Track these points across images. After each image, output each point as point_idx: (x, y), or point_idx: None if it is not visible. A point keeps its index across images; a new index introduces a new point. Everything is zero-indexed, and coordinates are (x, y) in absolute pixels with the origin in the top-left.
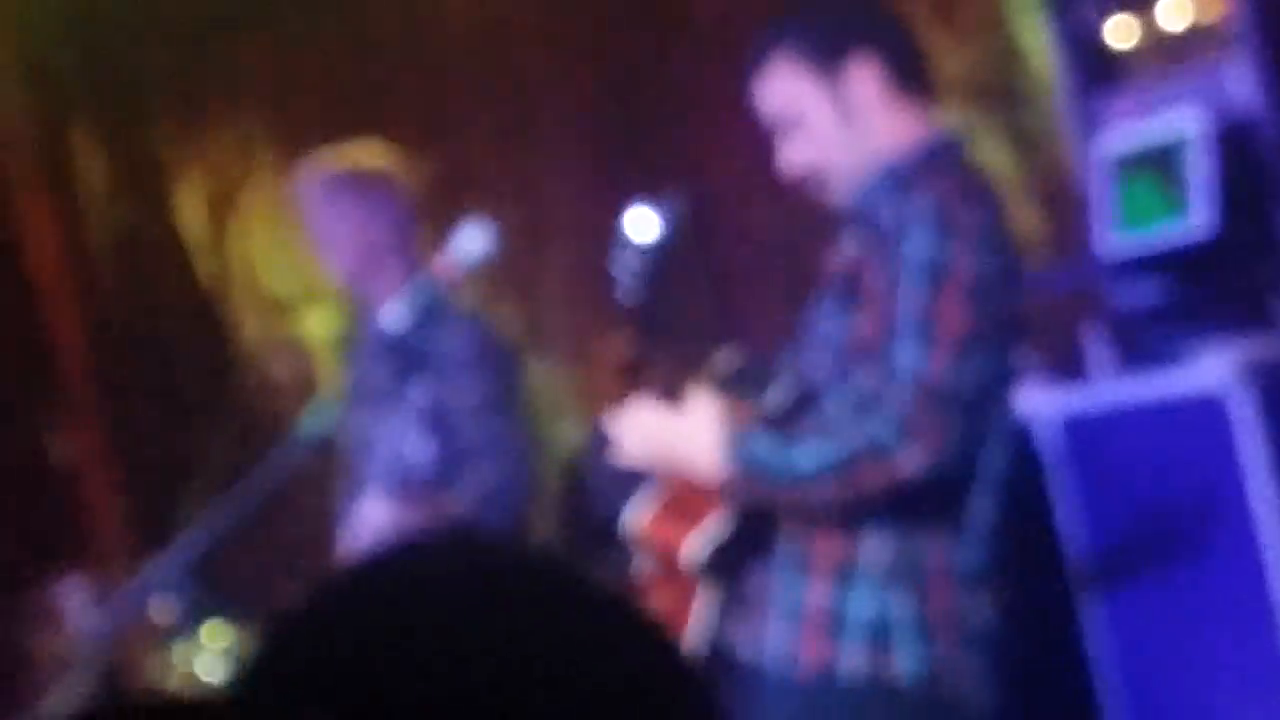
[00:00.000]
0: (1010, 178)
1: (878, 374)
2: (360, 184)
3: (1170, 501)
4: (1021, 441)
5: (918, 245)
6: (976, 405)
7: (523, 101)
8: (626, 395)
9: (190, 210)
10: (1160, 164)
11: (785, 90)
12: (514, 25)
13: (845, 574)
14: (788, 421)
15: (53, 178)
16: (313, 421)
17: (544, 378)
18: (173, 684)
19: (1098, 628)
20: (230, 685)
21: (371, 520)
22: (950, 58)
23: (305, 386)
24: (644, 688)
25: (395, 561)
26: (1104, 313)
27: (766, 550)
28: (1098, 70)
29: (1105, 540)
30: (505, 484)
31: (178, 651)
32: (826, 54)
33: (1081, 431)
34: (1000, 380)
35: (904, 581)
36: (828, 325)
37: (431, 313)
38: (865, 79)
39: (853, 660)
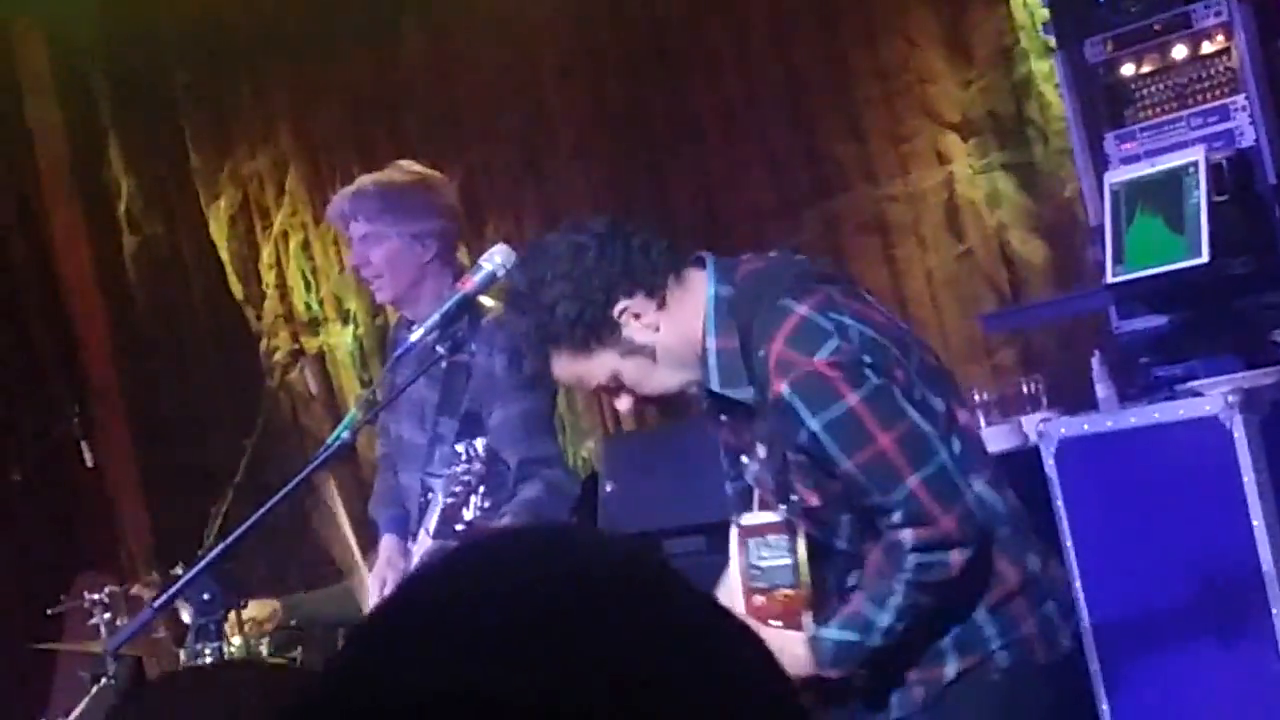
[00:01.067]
0: (1017, 208)
1: (876, 510)
2: (400, 195)
3: (1168, 523)
4: (1030, 465)
5: (812, 424)
6: (956, 465)
7: (542, 129)
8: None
9: (220, 225)
10: (1164, 198)
11: (585, 374)
12: (534, 56)
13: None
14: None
15: (85, 194)
16: (339, 433)
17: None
18: None
19: (1098, 641)
20: (319, 683)
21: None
22: (962, 92)
23: (329, 398)
24: (735, 684)
25: (490, 552)
26: (1109, 341)
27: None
28: (1106, 105)
29: (1106, 561)
30: (557, 494)
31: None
32: (592, 331)
33: (1085, 455)
34: (946, 431)
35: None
36: (771, 481)
37: (457, 332)
38: (640, 318)
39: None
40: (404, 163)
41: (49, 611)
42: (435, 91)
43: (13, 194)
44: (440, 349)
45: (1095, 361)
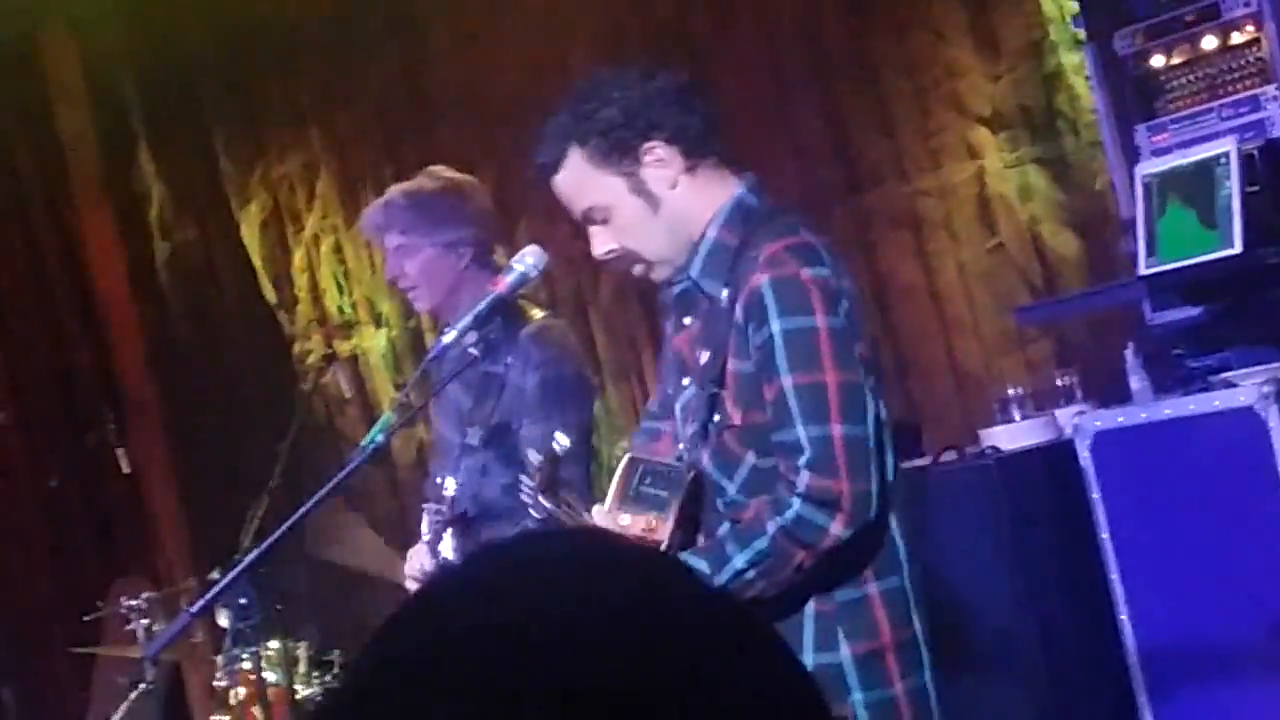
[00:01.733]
0: (1049, 201)
1: (782, 452)
2: (430, 204)
3: (1204, 514)
4: (1065, 458)
5: (775, 324)
6: (878, 446)
7: None
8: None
9: (252, 230)
10: (1196, 189)
11: (588, 186)
12: (565, 54)
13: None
14: (696, 524)
15: (117, 202)
16: (374, 435)
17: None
18: (238, 693)
19: (1135, 630)
20: (352, 677)
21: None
22: (992, 86)
23: (363, 401)
24: (759, 684)
25: (517, 551)
26: (1142, 333)
27: None
28: (1137, 98)
29: (1143, 553)
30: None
31: (241, 660)
32: (619, 148)
33: (1120, 448)
34: (879, 416)
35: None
36: (697, 411)
37: (489, 334)
38: (662, 165)
39: None
40: (435, 169)
41: (86, 617)
42: (464, 92)
43: (45, 202)
44: (474, 351)
45: (1129, 354)
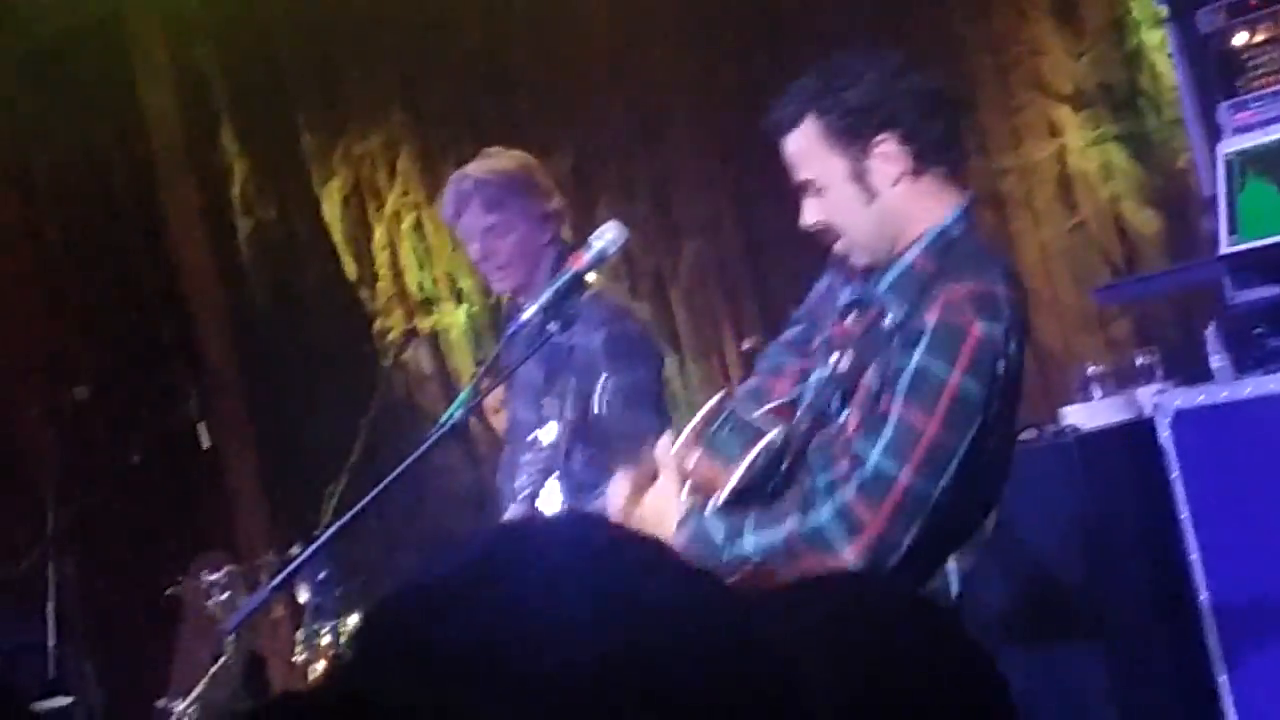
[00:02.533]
0: (1130, 179)
1: (851, 456)
2: (516, 180)
3: None
4: (1145, 438)
5: (919, 357)
6: (945, 508)
7: (655, 101)
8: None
9: (333, 207)
10: (1278, 167)
11: (811, 156)
12: (647, 28)
13: None
14: (755, 492)
15: (199, 178)
16: (452, 411)
17: (673, 372)
18: (316, 668)
19: (1216, 614)
20: (353, 670)
21: None
22: (1074, 63)
23: (443, 378)
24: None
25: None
26: (1223, 312)
27: None
28: (1219, 76)
29: (1224, 533)
30: None
31: (320, 635)
32: (854, 131)
33: (1201, 427)
34: (967, 492)
35: None
36: (823, 394)
37: (564, 310)
38: (889, 161)
39: None
40: (490, 150)
41: (167, 592)
42: (545, 68)
43: (128, 180)
44: (552, 327)
45: (1210, 332)
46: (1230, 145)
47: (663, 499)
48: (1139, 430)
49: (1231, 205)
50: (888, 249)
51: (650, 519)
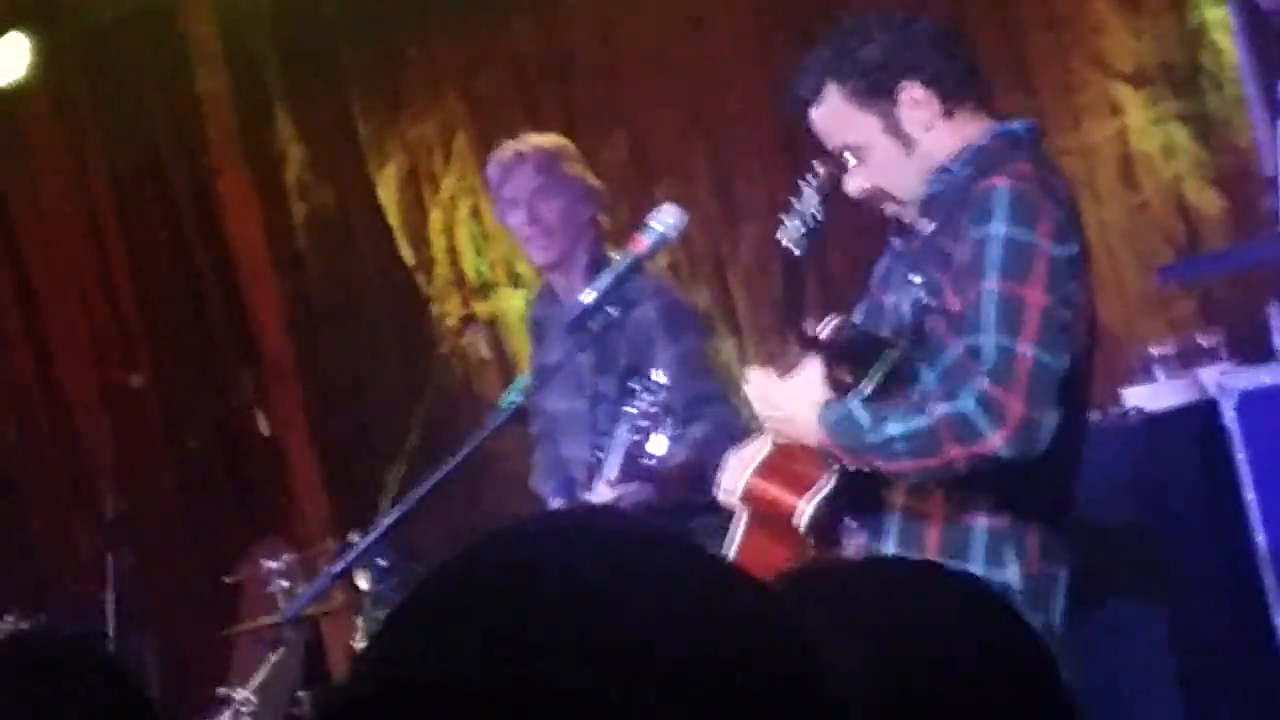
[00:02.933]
0: (1192, 159)
1: (965, 351)
2: (563, 152)
3: None
4: (1209, 418)
5: (998, 227)
6: (1061, 385)
7: (712, 85)
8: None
9: (389, 192)
10: None
11: (844, 123)
12: (704, 10)
13: (954, 553)
14: (885, 395)
15: (255, 161)
16: (509, 397)
17: (733, 355)
18: None
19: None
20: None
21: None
22: (1135, 42)
23: (501, 363)
24: (762, 664)
25: (516, 540)
26: None
27: (877, 524)
28: None
29: None
30: (726, 430)
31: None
32: (878, 86)
33: (1265, 408)
34: (1077, 363)
35: (1010, 560)
36: (908, 294)
37: (621, 294)
38: (917, 106)
39: None
40: (534, 135)
41: (226, 579)
42: (601, 52)
43: (183, 164)
44: (612, 310)
45: (1273, 312)
46: None
47: (805, 384)
48: (1203, 411)
49: None
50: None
51: (791, 402)
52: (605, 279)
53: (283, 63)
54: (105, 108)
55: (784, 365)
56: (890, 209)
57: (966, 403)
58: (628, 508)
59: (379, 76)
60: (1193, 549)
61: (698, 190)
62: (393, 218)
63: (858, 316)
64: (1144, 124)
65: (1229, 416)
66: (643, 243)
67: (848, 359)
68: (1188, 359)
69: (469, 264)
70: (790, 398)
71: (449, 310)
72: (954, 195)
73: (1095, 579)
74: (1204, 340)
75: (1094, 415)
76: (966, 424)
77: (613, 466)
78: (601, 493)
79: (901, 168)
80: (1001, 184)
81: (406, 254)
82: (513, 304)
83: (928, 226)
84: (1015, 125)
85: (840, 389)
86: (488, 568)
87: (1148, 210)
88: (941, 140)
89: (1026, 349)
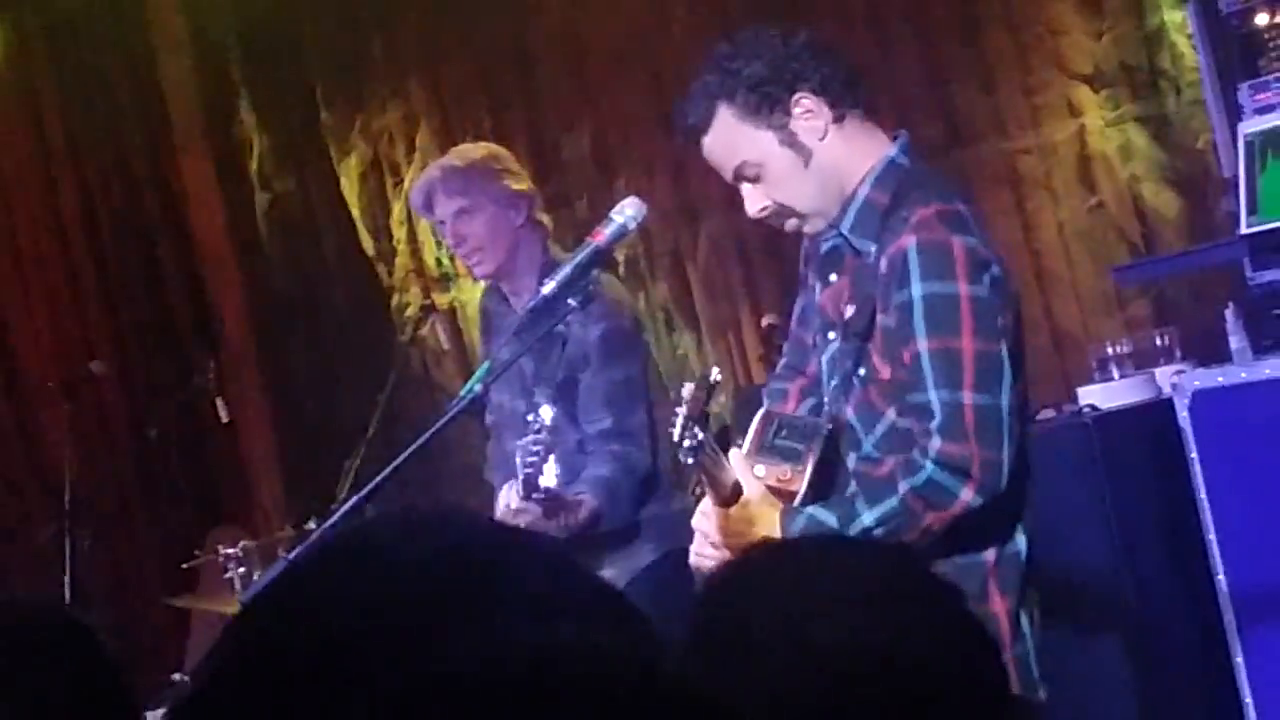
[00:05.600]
0: (1150, 160)
1: (913, 413)
2: (482, 166)
3: None
4: (1163, 418)
5: (917, 289)
6: (1012, 417)
7: (676, 80)
8: (766, 357)
9: (351, 182)
10: None
11: (738, 142)
12: (667, 11)
13: None
14: (827, 476)
15: (218, 149)
16: (471, 386)
17: (691, 349)
18: None
19: (1234, 596)
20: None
21: (505, 505)
22: (1094, 44)
23: (460, 354)
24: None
25: (363, 541)
26: (1242, 293)
27: None
28: (1240, 56)
29: (1241, 513)
30: (628, 471)
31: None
32: (769, 102)
33: (1219, 408)
34: (1018, 387)
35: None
36: (842, 363)
37: (581, 285)
38: (811, 116)
39: None
40: (462, 147)
41: (184, 565)
42: (565, 45)
43: (146, 152)
44: (573, 301)
45: (1229, 313)
46: (1251, 126)
47: (755, 507)
48: (1157, 411)
49: (1252, 186)
50: (837, 203)
51: (749, 526)
52: (565, 270)
53: (247, 52)
54: (70, 94)
55: (712, 482)
56: (791, 224)
57: (929, 469)
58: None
59: (343, 66)
60: (1146, 547)
61: (658, 183)
62: (355, 207)
63: (785, 354)
64: (1102, 125)
65: (1183, 416)
66: (602, 234)
67: (778, 453)
68: (1143, 358)
69: (429, 255)
70: (746, 522)
71: (409, 300)
72: (875, 221)
73: (1052, 586)
74: (1159, 340)
75: (1049, 413)
76: (937, 490)
77: (517, 485)
78: (509, 500)
79: (800, 179)
80: (909, 243)
81: (368, 244)
82: (473, 295)
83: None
84: (893, 154)
85: (782, 486)
86: (331, 563)
87: (1105, 210)
88: (836, 149)
89: (968, 397)
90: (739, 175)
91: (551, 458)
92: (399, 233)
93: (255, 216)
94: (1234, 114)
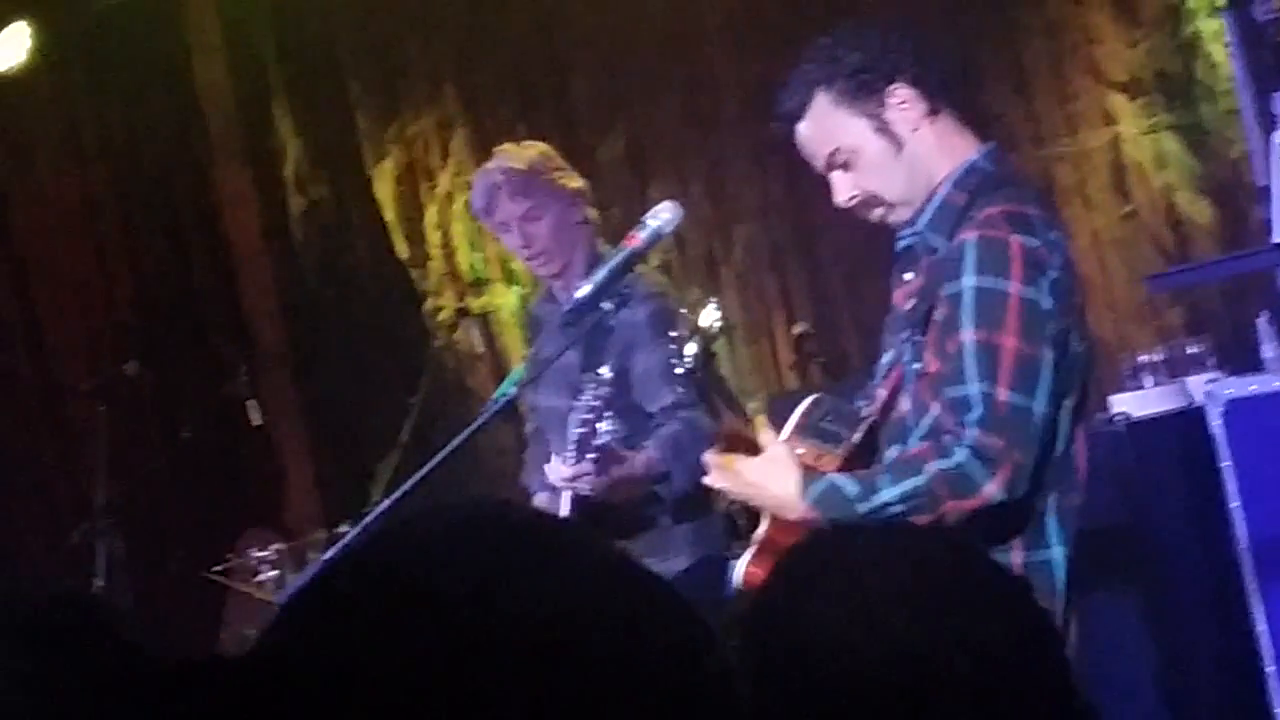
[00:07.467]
0: (1184, 169)
1: (949, 407)
2: (540, 167)
3: None
4: (1195, 426)
5: (969, 280)
6: (1045, 424)
7: (706, 88)
8: (799, 364)
9: (386, 186)
10: None
11: (834, 128)
12: (698, 14)
13: None
14: (868, 457)
15: (253, 154)
16: (504, 389)
17: (723, 352)
18: None
19: (1266, 605)
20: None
21: (555, 476)
22: (1130, 52)
23: (494, 359)
24: (654, 655)
25: (416, 528)
26: (1275, 302)
27: None
28: (1275, 65)
29: (1275, 523)
30: (695, 432)
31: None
32: (865, 89)
33: (1252, 417)
34: (1063, 394)
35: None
36: (901, 353)
37: (616, 289)
38: (906, 107)
39: None
40: (507, 146)
41: (216, 568)
42: (599, 51)
43: (181, 156)
44: (607, 305)
45: (1262, 322)
46: None
47: (776, 459)
48: (1190, 419)
49: None
50: (923, 195)
51: (766, 478)
52: (600, 273)
53: (282, 56)
54: (105, 97)
55: (740, 446)
56: (876, 214)
57: (960, 455)
58: (586, 489)
59: (378, 71)
60: (1178, 554)
61: (692, 190)
62: (389, 212)
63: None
64: (1137, 133)
65: (1215, 424)
66: (638, 238)
67: (819, 435)
68: (1176, 366)
69: (463, 259)
70: (764, 473)
71: (443, 305)
72: (951, 219)
73: (1081, 584)
74: (1192, 348)
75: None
76: (963, 477)
77: (569, 452)
78: (558, 470)
79: (891, 168)
80: (969, 237)
81: (402, 248)
82: (506, 300)
83: (942, 244)
84: (977, 158)
85: (815, 465)
86: (375, 563)
87: (1138, 218)
88: (928, 142)
89: (1003, 394)
90: (831, 162)
91: (608, 413)
92: (433, 238)
93: (290, 221)
94: (1268, 123)
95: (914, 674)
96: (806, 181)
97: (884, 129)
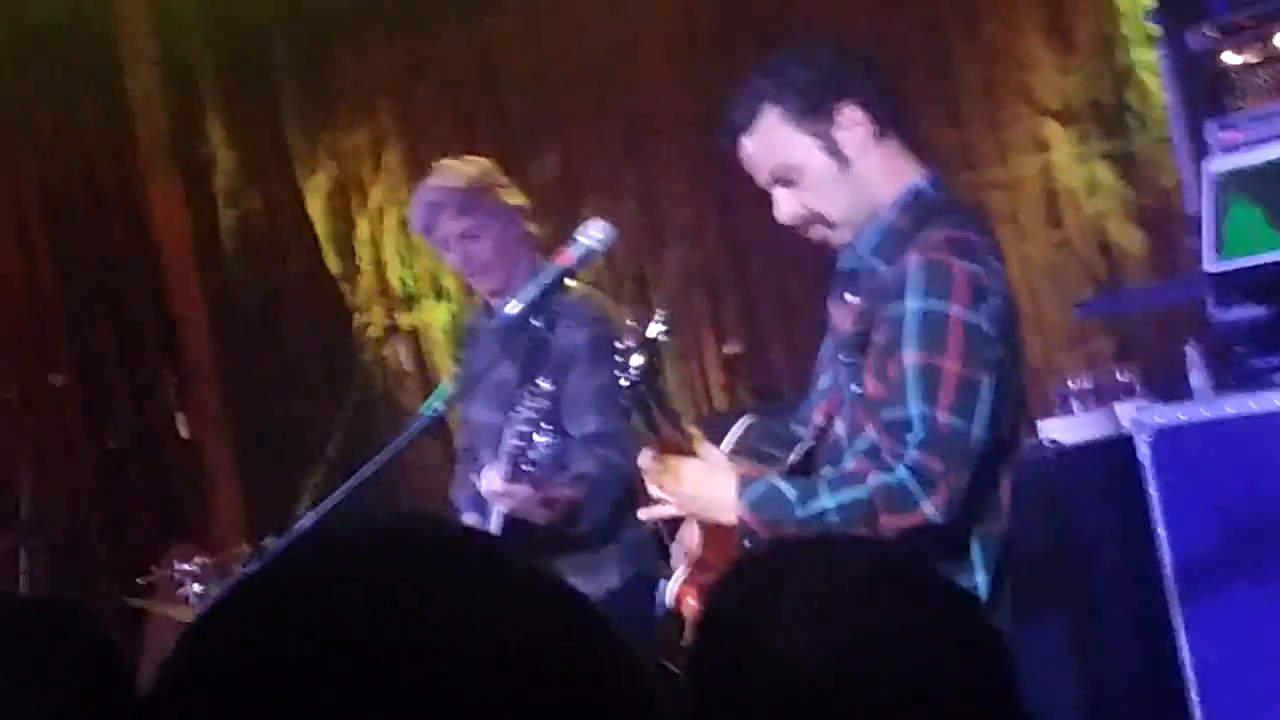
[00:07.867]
0: (1116, 196)
1: (888, 428)
2: (480, 184)
3: (1264, 513)
4: (1123, 453)
5: (913, 303)
6: (981, 448)
7: (642, 105)
8: (729, 385)
9: (318, 200)
10: (1266, 187)
11: (781, 144)
12: (634, 33)
13: None
14: (804, 472)
15: (185, 165)
16: (431, 405)
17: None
18: None
19: (1191, 633)
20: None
21: (488, 487)
22: (1063, 80)
23: (422, 375)
24: (571, 670)
25: (332, 543)
26: (1204, 331)
27: None
28: (1208, 94)
29: (1200, 551)
30: (610, 473)
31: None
32: (815, 107)
33: (1179, 445)
34: (1003, 419)
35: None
36: (839, 376)
37: (551, 306)
38: (855, 124)
39: None
40: (448, 162)
41: (140, 580)
42: (534, 69)
43: (112, 166)
44: (536, 322)
45: (1191, 350)
46: (1218, 164)
47: (715, 464)
48: (1118, 446)
49: (1217, 224)
50: (866, 216)
51: (701, 478)
52: (530, 290)
53: (215, 69)
54: (36, 108)
55: (649, 423)
56: (818, 233)
57: (901, 473)
58: (516, 503)
59: (311, 86)
60: (1105, 580)
61: (625, 209)
62: (320, 226)
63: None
64: (1070, 160)
65: (1143, 452)
66: (570, 256)
67: (755, 456)
68: (1104, 394)
69: (394, 275)
70: (702, 472)
71: (373, 320)
72: (894, 243)
73: (1007, 609)
74: (1121, 376)
75: None
76: (903, 494)
77: (502, 466)
78: (491, 480)
79: (836, 188)
80: (913, 260)
81: (332, 263)
82: (436, 316)
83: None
84: (921, 183)
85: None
86: (289, 576)
87: (1070, 246)
88: (874, 164)
89: (943, 416)
90: (775, 178)
91: (546, 426)
92: (364, 252)
93: (220, 233)
94: (1200, 152)
95: (864, 690)
96: (739, 203)
97: (831, 148)
